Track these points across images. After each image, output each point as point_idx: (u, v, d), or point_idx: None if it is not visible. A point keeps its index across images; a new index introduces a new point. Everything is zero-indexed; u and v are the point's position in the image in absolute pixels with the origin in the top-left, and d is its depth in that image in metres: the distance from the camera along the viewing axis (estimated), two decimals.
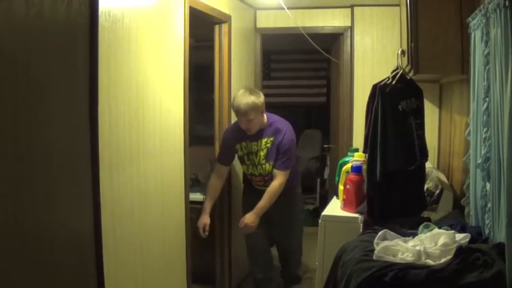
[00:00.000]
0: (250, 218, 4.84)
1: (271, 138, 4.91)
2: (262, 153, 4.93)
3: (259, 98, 4.79)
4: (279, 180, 4.88)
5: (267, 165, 4.92)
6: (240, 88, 5.26)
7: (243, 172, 5.29)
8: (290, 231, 5.24)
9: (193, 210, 4.66)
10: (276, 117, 5.08)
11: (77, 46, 2.63)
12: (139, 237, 3.60)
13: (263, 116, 4.92)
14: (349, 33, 6.23)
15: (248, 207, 5.00)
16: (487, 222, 2.84)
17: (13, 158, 2.11)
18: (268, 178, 4.96)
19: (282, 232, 5.25)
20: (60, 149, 2.46)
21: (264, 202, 4.86)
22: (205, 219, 4.92)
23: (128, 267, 3.45)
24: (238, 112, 4.74)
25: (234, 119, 5.37)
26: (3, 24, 2.00)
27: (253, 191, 5.17)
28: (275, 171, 4.90)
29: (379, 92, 3.66)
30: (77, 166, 2.66)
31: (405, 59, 4.00)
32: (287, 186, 4.96)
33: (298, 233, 5.33)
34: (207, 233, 4.93)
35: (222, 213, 5.50)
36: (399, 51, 3.96)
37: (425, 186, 4.07)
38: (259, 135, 4.93)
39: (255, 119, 4.77)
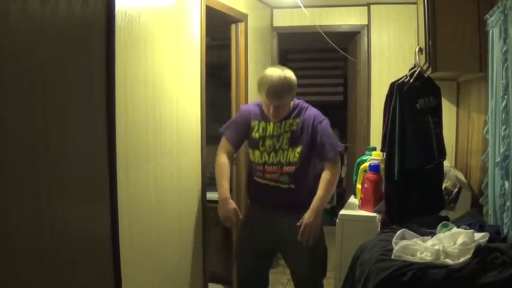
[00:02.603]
0: (310, 217, 3.90)
1: (297, 120, 4.03)
2: (286, 136, 4.01)
3: (294, 77, 3.98)
4: (330, 171, 3.99)
5: (290, 151, 4.00)
6: (256, 87, 5.26)
7: (249, 166, 4.34)
8: (306, 258, 4.12)
9: (210, 208, 4.61)
10: (298, 99, 4.16)
11: (93, 45, 2.63)
12: (156, 236, 3.60)
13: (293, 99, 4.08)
14: (365, 32, 6.20)
15: (257, 217, 4.22)
16: (505, 221, 2.82)
17: (30, 157, 2.11)
18: (287, 171, 4.01)
19: (296, 259, 4.22)
20: (77, 148, 2.46)
21: (321, 192, 3.96)
22: (232, 205, 4.07)
23: (145, 266, 3.45)
24: (269, 95, 3.88)
25: None
26: (18, 21, 2.00)
27: (260, 196, 4.22)
28: (325, 164, 4.02)
29: (397, 90, 3.64)
30: (94, 166, 2.66)
31: (423, 56, 3.98)
32: (305, 197, 4.02)
33: (319, 264, 4.25)
34: (241, 216, 4.19)
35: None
36: (417, 49, 3.94)
37: (443, 185, 4.05)
38: (283, 116, 4.03)
39: (287, 103, 3.98)
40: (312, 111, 4.08)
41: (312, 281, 4.25)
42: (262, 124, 4.10)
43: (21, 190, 2.06)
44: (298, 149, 4.00)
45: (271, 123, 4.05)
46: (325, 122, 4.07)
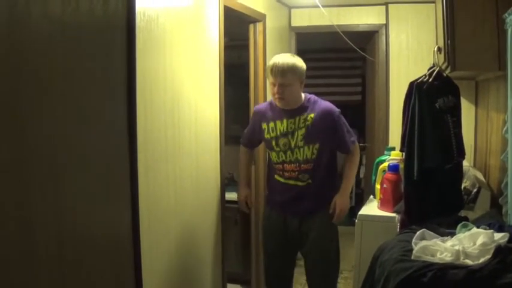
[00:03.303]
0: (340, 201, 4.05)
1: (312, 115, 4.01)
2: (300, 133, 3.99)
3: (302, 63, 4.02)
4: (351, 157, 4.19)
5: (306, 148, 3.99)
6: None
7: (268, 166, 4.41)
8: (320, 260, 4.16)
9: (228, 209, 4.63)
10: (310, 94, 4.18)
11: (114, 45, 2.65)
12: (175, 236, 3.61)
13: (301, 88, 4.08)
14: (384, 31, 6.19)
15: (273, 226, 4.23)
16: None
17: (51, 158, 2.13)
18: (305, 169, 4.03)
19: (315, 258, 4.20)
20: (98, 150, 2.48)
21: (348, 174, 4.20)
22: (245, 191, 4.43)
23: (164, 267, 3.46)
24: (273, 71, 3.91)
25: None
26: (39, 23, 2.02)
27: (280, 195, 4.21)
28: (345, 156, 4.22)
29: (416, 89, 3.63)
30: (115, 167, 2.68)
31: (441, 56, 3.96)
32: (322, 192, 4.11)
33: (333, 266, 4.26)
34: (251, 206, 4.59)
35: (257, 212, 5.47)
36: (435, 49, 3.92)
37: (463, 185, 4.03)
38: (295, 112, 4.04)
39: (292, 86, 3.94)
40: (325, 104, 4.11)
41: (326, 282, 4.26)
42: (272, 124, 4.12)
43: (42, 192, 2.07)
44: (316, 146, 4.01)
45: (284, 120, 4.06)
46: (339, 114, 4.10)
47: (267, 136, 4.15)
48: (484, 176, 4.54)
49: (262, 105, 4.37)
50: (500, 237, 2.76)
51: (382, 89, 6.28)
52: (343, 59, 9.07)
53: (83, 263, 2.36)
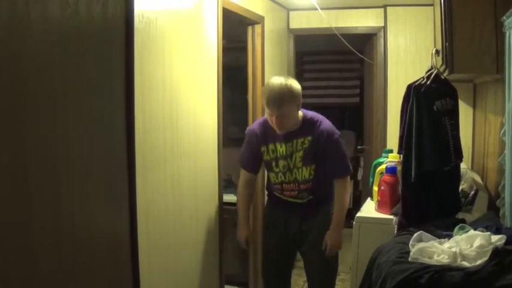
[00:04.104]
0: (332, 236, 4.05)
1: (309, 138, 3.97)
2: (298, 155, 3.99)
3: (297, 86, 3.90)
4: (341, 187, 4.09)
5: (304, 169, 4.02)
6: None
7: (267, 181, 4.45)
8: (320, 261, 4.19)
9: (226, 211, 4.63)
10: (311, 112, 4.10)
11: (113, 47, 2.66)
12: (173, 237, 3.61)
13: (299, 111, 3.98)
14: (382, 33, 6.19)
15: (275, 223, 4.31)
16: None
17: (49, 158, 2.13)
18: (305, 188, 4.08)
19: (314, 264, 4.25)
20: (97, 150, 2.48)
21: (338, 210, 4.08)
22: (245, 233, 4.32)
23: (161, 267, 3.46)
24: (269, 105, 3.81)
25: None
26: (38, 25, 2.03)
27: (281, 204, 4.25)
28: (335, 180, 4.11)
29: (413, 92, 3.63)
30: (113, 168, 2.68)
31: (439, 58, 3.97)
32: (324, 203, 4.19)
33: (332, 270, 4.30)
34: (250, 245, 4.56)
35: (255, 215, 5.46)
36: (433, 51, 3.93)
37: (460, 187, 4.04)
38: (293, 134, 3.98)
39: (291, 113, 3.86)
40: (325, 126, 4.02)
41: (325, 281, 4.30)
42: (271, 146, 4.09)
43: (40, 192, 2.08)
44: (313, 167, 4.03)
45: (282, 144, 4.02)
46: (337, 138, 4.03)
47: (266, 158, 4.14)
48: (482, 179, 4.54)
49: (255, 126, 4.25)
50: (497, 239, 2.77)
51: (380, 91, 6.28)
52: (341, 62, 9.09)
53: (80, 263, 2.37)
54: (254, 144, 4.17)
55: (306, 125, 4.01)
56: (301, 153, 3.99)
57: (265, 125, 4.09)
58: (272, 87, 3.81)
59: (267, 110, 3.93)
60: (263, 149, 4.12)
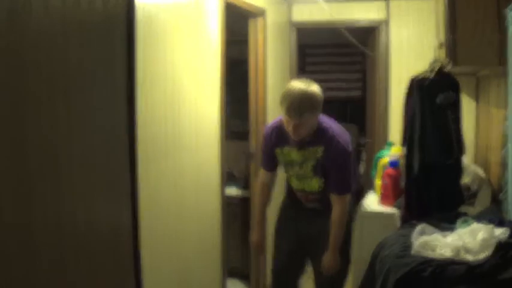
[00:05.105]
0: (329, 259, 3.82)
1: (321, 148, 3.70)
2: (309, 165, 3.79)
3: (319, 93, 3.60)
4: (338, 207, 3.76)
5: (314, 181, 3.84)
6: (275, 83, 5.23)
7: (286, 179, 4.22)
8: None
9: (228, 204, 4.63)
10: (328, 120, 3.84)
11: (115, 39, 2.65)
12: (175, 231, 3.61)
13: (317, 119, 3.71)
14: (384, 26, 6.17)
15: (287, 218, 4.19)
16: None
17: (51, 152, 2.12)
18: (315, 198, 3.93)
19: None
20: (98, 144, 2.47)
21: (334, 234, 3.78)
22: (258, 235, 4.16)
23: (164, 261, 3.46)
24: (289, 112, 3.52)
25: (270, 114, 5.35)
26: (40, 16, 2.02)
27: (297, 204, 4.10)
28: (331, 194, 3.79)
29: (416, 85, 3.63)
30: (115, 161, 2.68)
31: (442, 51, 3.96)
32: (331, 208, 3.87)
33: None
34: (263, 251, 4.41)
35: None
36: (436, 44, 3.91)
37: (463, 181, 4.03)
38: (306, 141, 3.74)
39: (310, 122, 3.61)
40: (337, 138, 3.71)
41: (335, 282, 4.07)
42: (286, 150, 3.88)
43: (42, 188, 2.07)
44: (322, 180, 3.81)
45: (295, 150, 3.80)
46: (346, 153, 3.71)
47: (280, 159, 3.97)
48: (485, 172, 4.53)
49: (270, 129, 4.01)
50: (500, 232, 2.77)
51: (382, 84, 6.26)
52: (344, 55, 9.09)
53: (82, 258, 2.36)
54: (269, 146, 3.98)
55: (320, 133, 3.73)
56: (313, 162, 3.76)
57: (281, 127, 3.82)
58: (293, 94, 3.52)
59: (284, 115, 3.64)
60: (277, 151, 3.94)
